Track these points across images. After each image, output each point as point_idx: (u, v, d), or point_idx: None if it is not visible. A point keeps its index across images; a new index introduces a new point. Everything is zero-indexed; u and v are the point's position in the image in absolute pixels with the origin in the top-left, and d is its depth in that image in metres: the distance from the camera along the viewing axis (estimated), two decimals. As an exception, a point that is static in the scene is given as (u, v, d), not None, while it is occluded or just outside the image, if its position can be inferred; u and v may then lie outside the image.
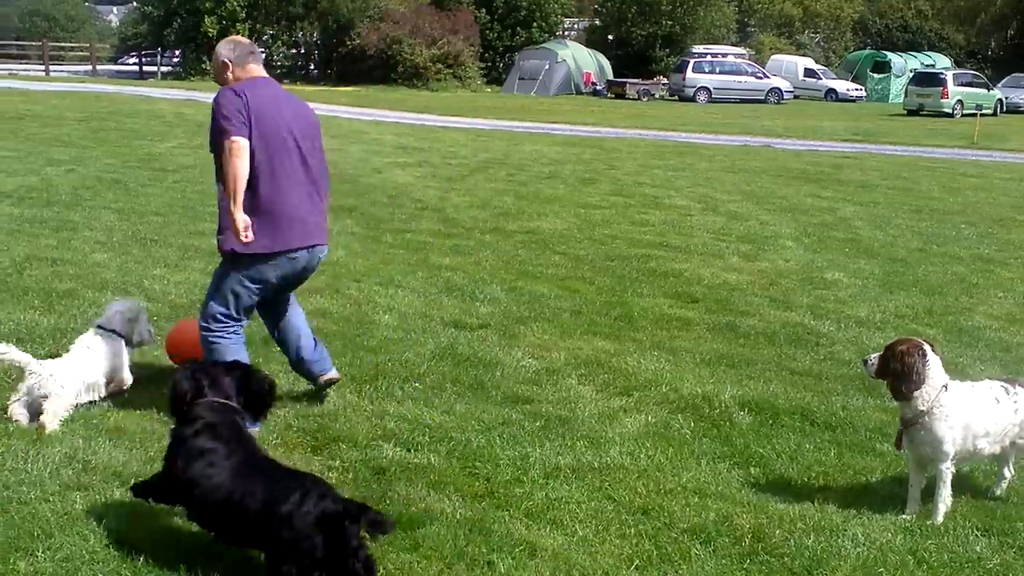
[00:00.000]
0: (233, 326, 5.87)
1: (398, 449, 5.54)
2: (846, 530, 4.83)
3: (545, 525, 4.75)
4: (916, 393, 5.01)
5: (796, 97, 53.14)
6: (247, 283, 5.79)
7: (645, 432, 6.00)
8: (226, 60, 6.03)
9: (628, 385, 6.86)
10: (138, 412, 5.89)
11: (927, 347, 5.08)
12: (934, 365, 5.03)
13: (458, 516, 4.77)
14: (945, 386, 5.03)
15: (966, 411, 5.03)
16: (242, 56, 6.05)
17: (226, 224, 5.67)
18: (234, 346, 5.83)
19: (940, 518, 5.01)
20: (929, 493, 5.07)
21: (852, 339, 8.22)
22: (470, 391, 6.58)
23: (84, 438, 5.42)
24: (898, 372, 5.03)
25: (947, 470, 5.04)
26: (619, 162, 20.87)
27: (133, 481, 4.72)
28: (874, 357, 5.22)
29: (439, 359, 7.17)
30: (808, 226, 13.61)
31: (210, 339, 5.83)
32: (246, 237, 5.56)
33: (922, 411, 5.02)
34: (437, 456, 5.46)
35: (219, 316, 5.82)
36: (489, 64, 58.51)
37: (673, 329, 8.36)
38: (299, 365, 6.23)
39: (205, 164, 17.45)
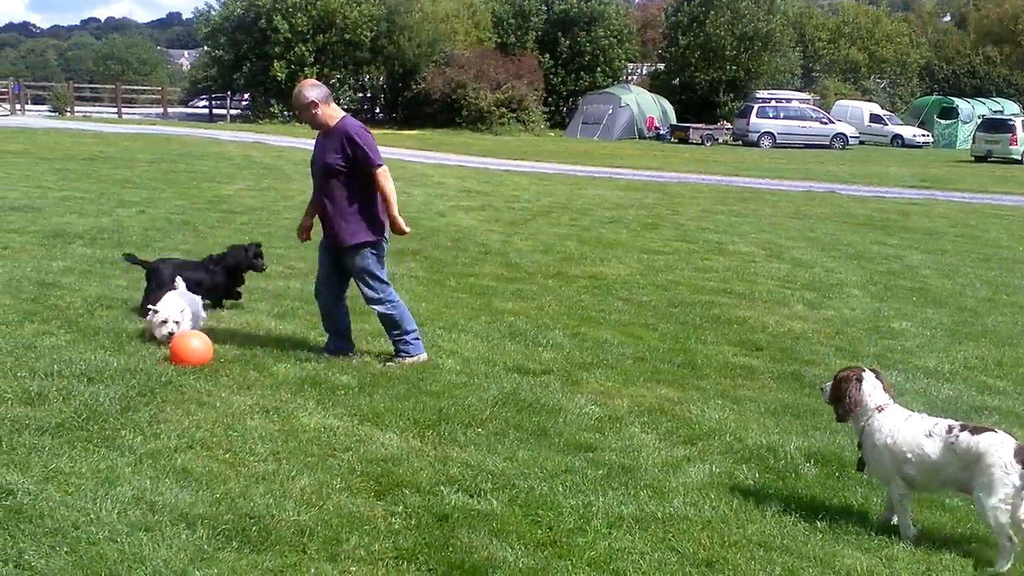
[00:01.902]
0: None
1: (461, 495, 5.53)
2: (915, 587, 4.75)
3: (608, 576, 4.72)
4: (854, 415, 5.49)
5: (861, 143, 52.83)
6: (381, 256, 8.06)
7: (709, 482, 5.94)
8: (315, 99, 7.69)
9: (692, 434, 6.81)
10: (205, 453, 5.95)
11: (867, 373, 5.55)
12: (869, 388, 5.47)
13: (520, 565, 4.75)
14: (880, 407, 5.44)
15: (889, 434, 5.34)
16: (326, 96, 7.82)
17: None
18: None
19: (907, 539, 5.25)
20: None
21: (920, 390, 8.08)
22: (533, 437, 6.57)
23: (151, 479, 5.48)
24: (837, 396, 5.56)
25: (894, 492, 5.36)
26: (682, 207, 20.84)
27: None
28: (828, 384, 5.71)
29: (502, 405, 7.17)
30: (874, 274, 13.47)
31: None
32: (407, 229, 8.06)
33: (859, 431, 5.52)
34: (500, 503, 5.44)
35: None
36: (553, 108, 59.02)
37: (737, 378, 8.29)
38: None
39: (272, 206, 17.78)
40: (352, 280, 8.14)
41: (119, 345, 8.15)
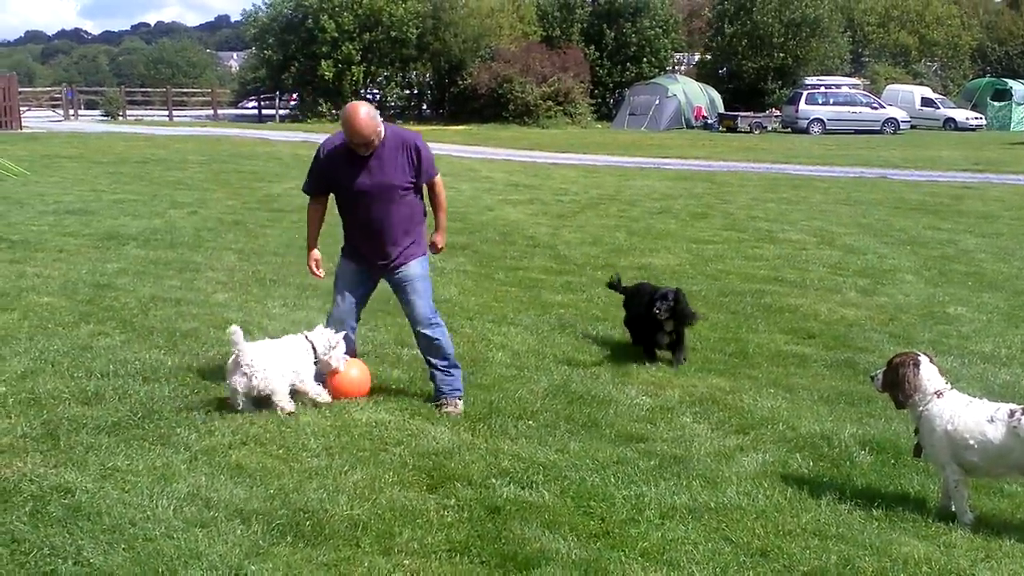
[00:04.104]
0: None
1: (513, 487, 5.53)
2: (974, 574, 4.68)
3: (662, 566, 4.69)
4: (912, 401, 5.40)
5: (913, 127, 52.07)
6: None
7: (763, 472, 5.90)
8: (381, 121, 6.76)
9: (744, 423, 6.77)
10: (259, 449, 6.00)
11: (923, 357, 5.46)
12: (927, 373, 5.39)
13: (573, 557, 4.74)
14: (939, 393, 5.36)
15: (950, 419, 5.25)
16: None
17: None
18: None
19: (964, 525, 5.21)
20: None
21: (977, 376, 7.97)
22: (584, 429, 6.56)
23: (207, 475, 5.54)
24: (893, 382, 5.47)
25: (950, 477, 5.28)
26: (731, 196, 20.69)
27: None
28: (880, 372, 5.61)
29: (552, 397, 7.17)
30: (928, 259, 13.29)
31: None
32: None
33: (916, 417, 5.42)
34: (552, 495, 5.44)
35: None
36: (599, 100, 58.85)
37: (790, 366, 8.22)
38: None
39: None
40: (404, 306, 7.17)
41: (173, 344, 8.25)
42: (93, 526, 4.88)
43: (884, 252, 13.82)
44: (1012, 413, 5.12)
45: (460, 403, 6.94)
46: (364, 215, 6.91)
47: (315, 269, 7.20)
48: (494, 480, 5.62)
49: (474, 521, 5.12)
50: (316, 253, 7.21)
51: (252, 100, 63.19)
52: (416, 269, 7.04)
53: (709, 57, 65.51)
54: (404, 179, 6.82)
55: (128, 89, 64.17)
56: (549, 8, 60.77)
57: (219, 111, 60.88)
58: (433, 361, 7.04)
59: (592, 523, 5.12)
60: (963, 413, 5.24)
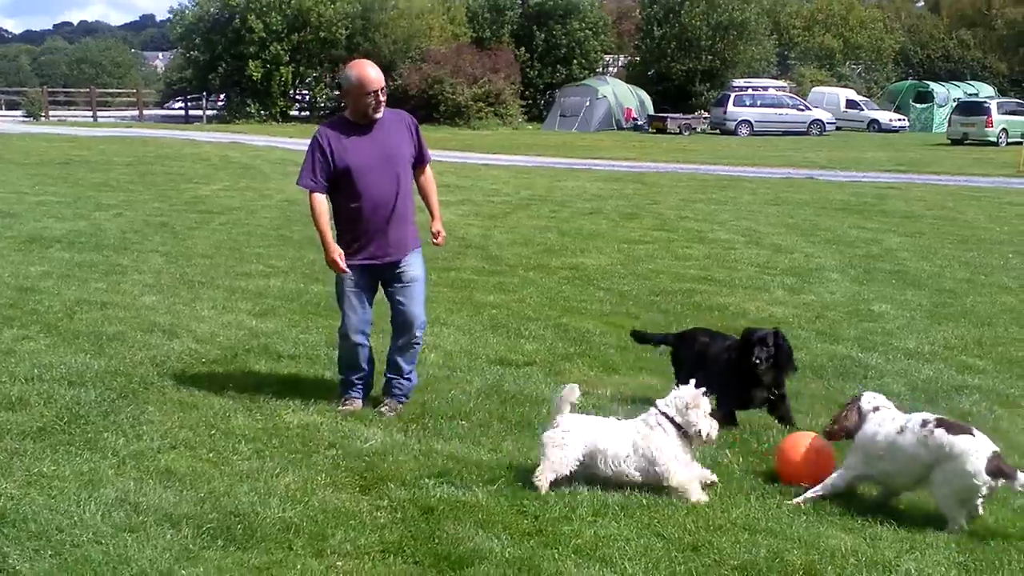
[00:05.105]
0: None
1: (446, 487, 5.52)
2: (899, 566, 4.75)
3: (595, 563, 4.71)
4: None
5: (838, 129, 52.97)
6: None
7: (693, 468, 5.95)
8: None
9: (675, 421, 6.82)
10: (188, 453, 5.93)
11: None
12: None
13: (507, 555, 4.75)
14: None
15: (867, 435, 5.45)
16: None
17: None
18: None
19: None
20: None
21: (901, 371, 8.13)
22: (517, 428, 6.57)
23: (135, 480, 5.46)
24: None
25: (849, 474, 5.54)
26: (661, 197, 20.86)
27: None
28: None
29: (485, 397, 7.17)
30: (853, 258, 13.52)
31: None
32: None
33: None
34: (485, 494, 5.44)
35: None
36: (530, 102, 59.00)
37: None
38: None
39: (250, 205, 17.70)
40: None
41: (99, 348, 8.12)
42: (19, 532, 4.79)
43: (811, 251, 14.03)
44: (924, 423, 5.25)
45: (401, 408, 6.88)
46: (372, 194, 6.66)
47: (340, 263, 6.67)
48: (427, 480, 5.60)
49: (407, 521, 5.10)
50: (337, 247, 6.69)
51: (178, 101, 62.32)
52: (418, 270, 7.03)
53: (638, 59, 65.91)
54: (408, 151, 6.84)
55: (51, 89, 62.97)
56: (479, 9, 60.77)
57: (144, 112, 59.98)
58: (401, 365, 6.96)
59: (525, 522, 5.12)
60: (874, 427, 5.44)
